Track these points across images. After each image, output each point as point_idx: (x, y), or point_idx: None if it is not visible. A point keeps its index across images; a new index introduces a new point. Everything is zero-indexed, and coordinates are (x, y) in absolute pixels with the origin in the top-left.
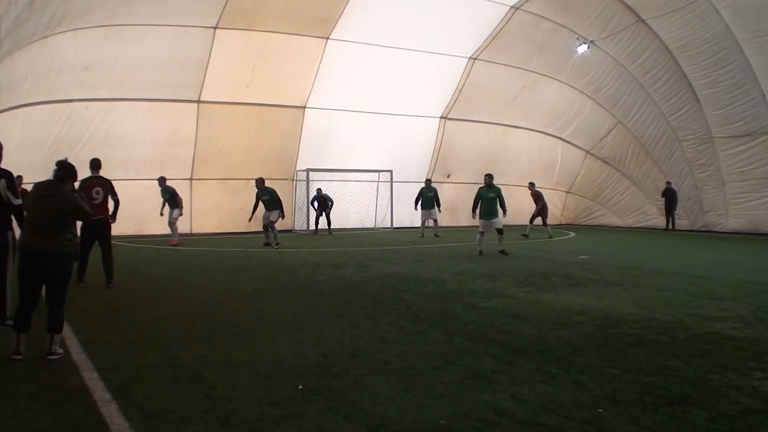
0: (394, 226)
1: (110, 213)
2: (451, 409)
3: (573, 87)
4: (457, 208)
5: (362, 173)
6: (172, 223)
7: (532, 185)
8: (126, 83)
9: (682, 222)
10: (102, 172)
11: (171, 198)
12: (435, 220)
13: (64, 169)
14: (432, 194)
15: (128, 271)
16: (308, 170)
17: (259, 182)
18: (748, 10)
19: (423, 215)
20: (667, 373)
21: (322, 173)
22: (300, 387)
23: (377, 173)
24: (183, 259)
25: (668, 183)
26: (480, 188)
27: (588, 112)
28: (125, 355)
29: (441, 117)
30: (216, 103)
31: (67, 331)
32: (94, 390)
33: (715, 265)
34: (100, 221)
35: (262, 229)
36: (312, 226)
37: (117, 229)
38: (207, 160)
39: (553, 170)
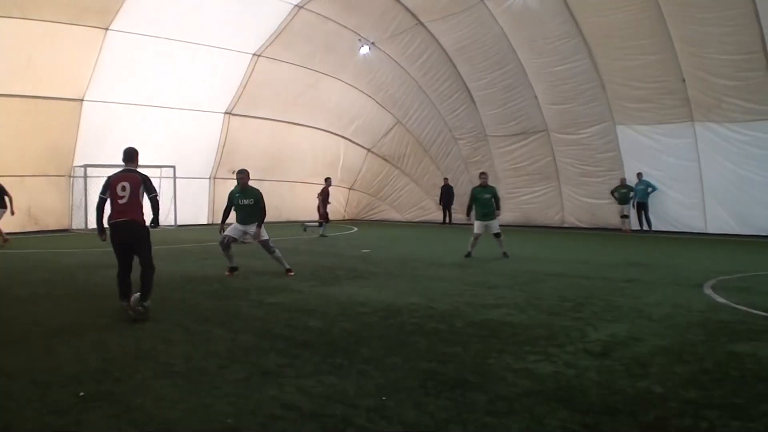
0: (178, 223)
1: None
2: (238, 407)
3: (355, 87)
4: None
5: (143, 169)
6: None
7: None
8: None
9: (458, 216)
10: None
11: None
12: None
13: None
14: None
15: None
16: (86, 166)
17: (243, 176)
18: (523, 16)
19: None
20: (446, 360)
21: (100, 169)
22: (81, 394)
23: (159, 169)
24: None
25: (445, 179)
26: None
27: (369, 111)
28: None
29: (225, 113)
30: None
31: None
32: None
33: (489, 257)
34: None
35: (220, 247)
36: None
37: None
38: None
39: (336, 167)
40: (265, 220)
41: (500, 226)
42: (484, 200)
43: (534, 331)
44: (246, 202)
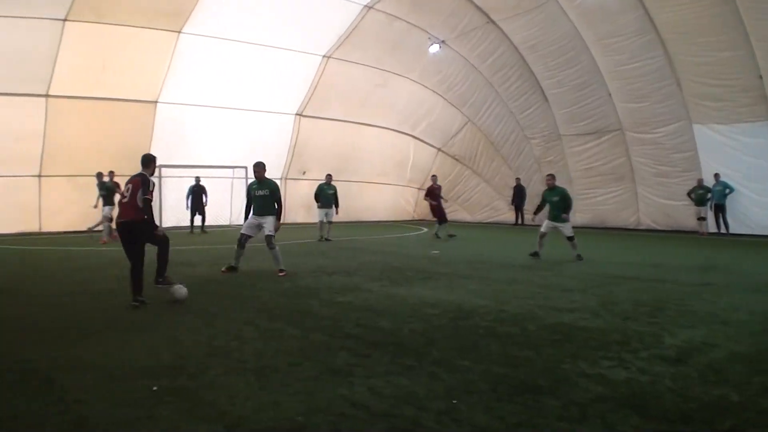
0: None
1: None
2: (308, 404)
3: (425, 86)
4: (313, 204)
5: (216, 169)
6: (104, 221)
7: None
8: None
9: (531, 217)
10: None
11: (108, 194)
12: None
13: None
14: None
15: None
16: (161, 166)
17: (259, 169)
18: (595, 13)
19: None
20: (518, 363)
21: (174, 169)
22: (155, 388)
23: (232, 170)
24: (33, 259)
25: (517, 179)
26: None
27: (439, 110)
28: None
29: (296, 114)
30: (65, 98)
31: None
32: None
33: (562, 258)
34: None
35: (236, 244)
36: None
37: None
38: (56, 156)
39: (405, 168)
40: (336, 220)
41: (573, 228)
42: (554, 203)
43: (608, 336)
44: (262, 192)
